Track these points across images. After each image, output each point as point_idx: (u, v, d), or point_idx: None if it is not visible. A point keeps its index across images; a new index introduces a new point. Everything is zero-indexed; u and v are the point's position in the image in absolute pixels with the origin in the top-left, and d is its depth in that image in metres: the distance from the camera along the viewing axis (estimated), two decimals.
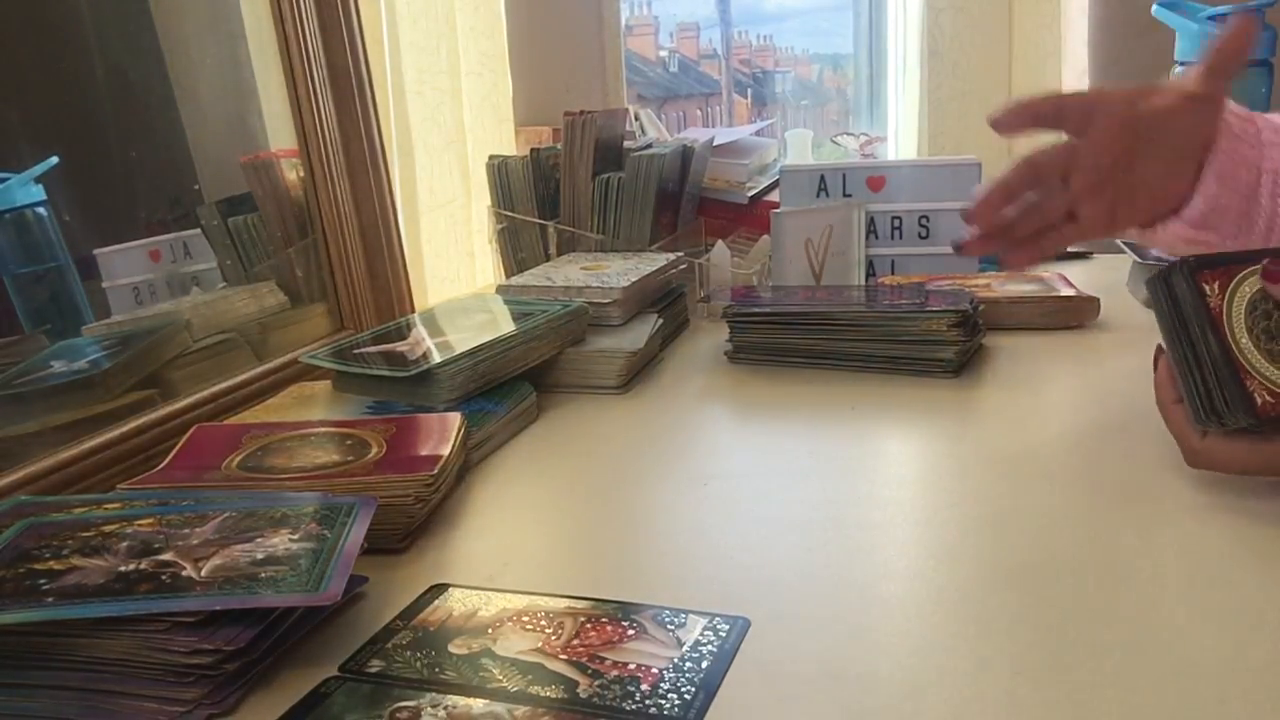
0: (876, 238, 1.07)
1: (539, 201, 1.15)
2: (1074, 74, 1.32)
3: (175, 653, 0.42)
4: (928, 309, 0.85)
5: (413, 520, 0.58)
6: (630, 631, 0.47)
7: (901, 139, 1.49)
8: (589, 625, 0.47)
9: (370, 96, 0.96)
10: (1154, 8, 1.05)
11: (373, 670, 0.45)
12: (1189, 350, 0.57)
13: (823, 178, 1.08)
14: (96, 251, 0.76)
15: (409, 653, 0.46)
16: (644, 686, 0.42)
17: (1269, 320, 0.55)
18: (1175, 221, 0.65)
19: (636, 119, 1.43)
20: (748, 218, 1.27)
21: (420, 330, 0.85)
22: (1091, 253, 1.26)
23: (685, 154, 1.18)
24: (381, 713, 0.41)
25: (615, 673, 0.43)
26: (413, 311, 0.99)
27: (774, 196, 1.24)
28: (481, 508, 0.64)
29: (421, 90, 1.17)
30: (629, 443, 0.75)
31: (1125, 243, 1.05)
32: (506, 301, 0.93)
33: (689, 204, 1.23)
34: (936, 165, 1.09)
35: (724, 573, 0.53)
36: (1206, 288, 0.57)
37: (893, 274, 1.07)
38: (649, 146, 1.18)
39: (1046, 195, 0.67)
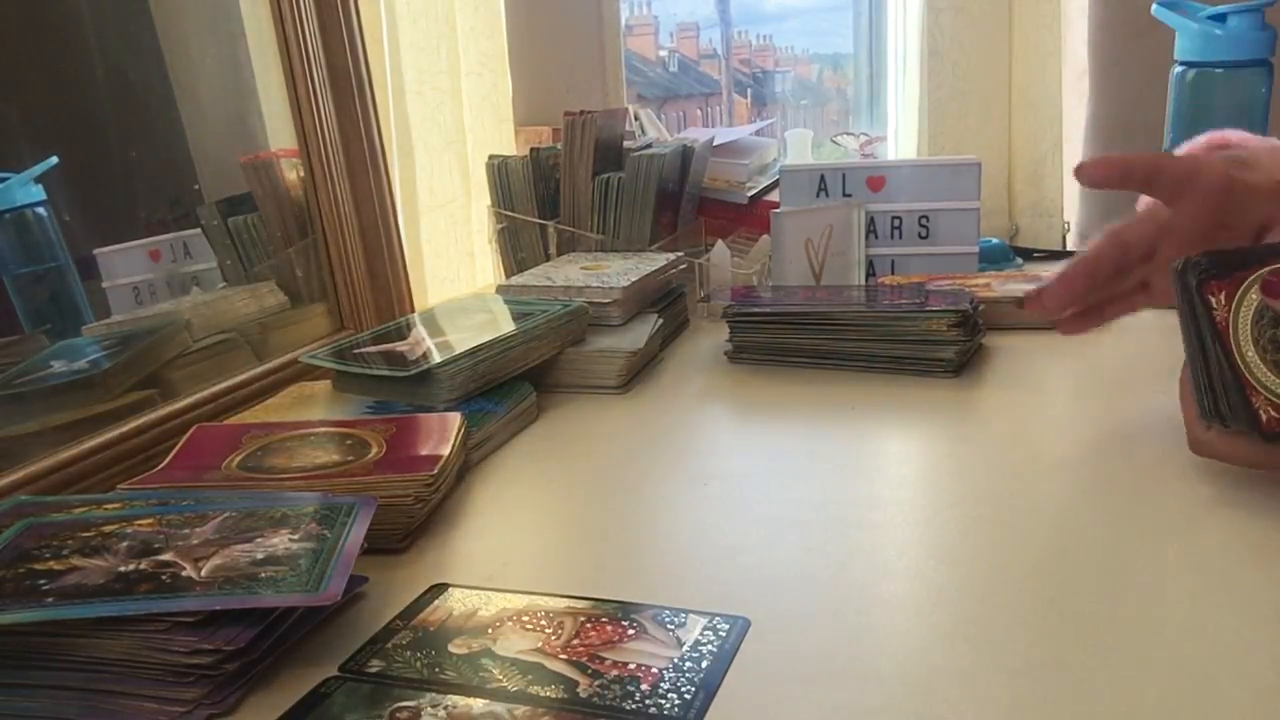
0: (876, 238, 1.07)
1: (539, 201, 1.15)
2: (1074, 74, 1.32)
3: (175, 653, 0.42)
4: (928, 309, 0.85)
5: (413, 520, 0.58)
6: (630, 631, 0.47)
7: (901, 139, 1.49)
8: (589, 625, 0.47)
9: (370, 96, 0.96)
10: (1154, 8, 1.05)
11: (373, 670, 0.45)
12: (1199, 350, 0.56)
13: (823, 178, 1.08)
14: (96, 251, 0.76)
15: (409, 653, 0.46)
16: (644, 686, 0.42)
17: (1276, 329, 0.55)
18: None
19: (636, 119, 1.43)
20: (748, 218, 1.26)
21: (420, 330, 0.85)
22: None
23: (685, 154, 1.18)
24: (381, 713, 0.41)
25: (615, 673, 0.43)
26: (413, 311, 0.99)
27: (774, 196, 1.23)
28: (481, 508, 0.64)
29: (421, 90, 1.17)
30: (629, 443, 0.75)
31: None
32: (506, 301, 0.93)
33: (689, 204, 1.23)
34: (936, 165, 1.09)
35: (724, 573, 0.53)
36: (1213, 299, 0.56)
37: (893, 274, 1.07)
38: (649, 146, 1.18)
39: (1125, 266, 0.66)
